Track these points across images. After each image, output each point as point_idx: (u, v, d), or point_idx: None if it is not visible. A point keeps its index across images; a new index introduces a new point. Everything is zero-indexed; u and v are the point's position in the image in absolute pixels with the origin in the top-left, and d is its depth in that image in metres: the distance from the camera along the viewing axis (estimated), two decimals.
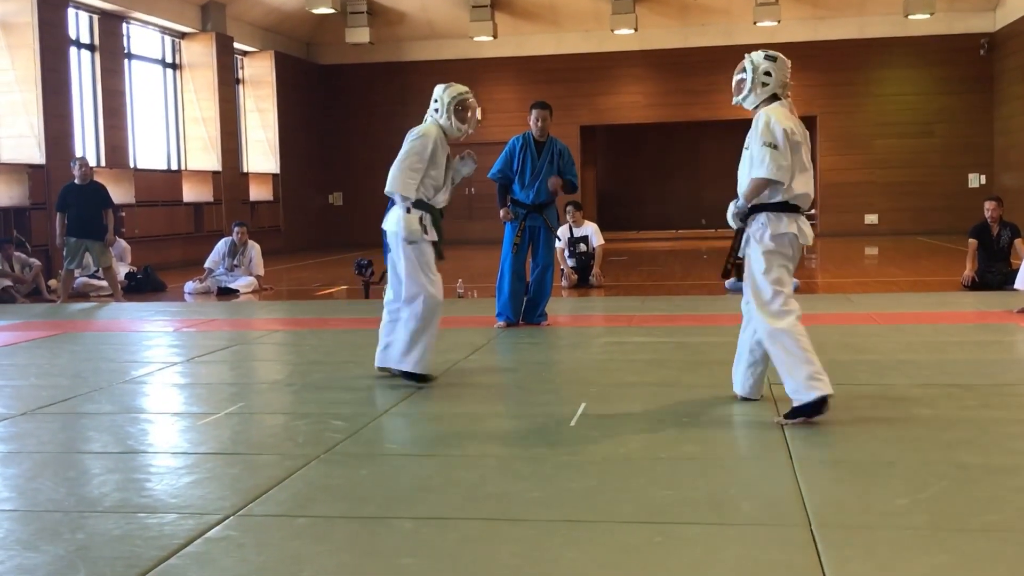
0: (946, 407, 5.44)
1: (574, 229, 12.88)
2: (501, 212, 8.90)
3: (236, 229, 13.69)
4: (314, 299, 12.49)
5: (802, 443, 4.70)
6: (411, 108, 24.35)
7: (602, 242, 13.06)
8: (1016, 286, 9.14)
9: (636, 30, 22.21)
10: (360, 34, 22.76)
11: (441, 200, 6.49)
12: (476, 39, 22.83)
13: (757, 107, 5.21)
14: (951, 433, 4.86)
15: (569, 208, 12.91)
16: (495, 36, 22.68)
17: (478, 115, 6.36)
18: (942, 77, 22.71)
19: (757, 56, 5.20)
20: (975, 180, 22.46)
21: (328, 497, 4.08)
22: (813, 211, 5.43)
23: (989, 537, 3.48)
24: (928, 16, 21.20)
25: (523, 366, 7.26)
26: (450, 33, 23.62)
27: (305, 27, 23.32)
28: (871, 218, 22.42)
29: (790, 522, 3.64)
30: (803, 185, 5.10)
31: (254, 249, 13.67)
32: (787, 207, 5.09)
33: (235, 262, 13.56)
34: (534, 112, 8.98)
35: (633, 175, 27.20)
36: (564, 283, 12.60)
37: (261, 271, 13.74)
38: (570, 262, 12.84)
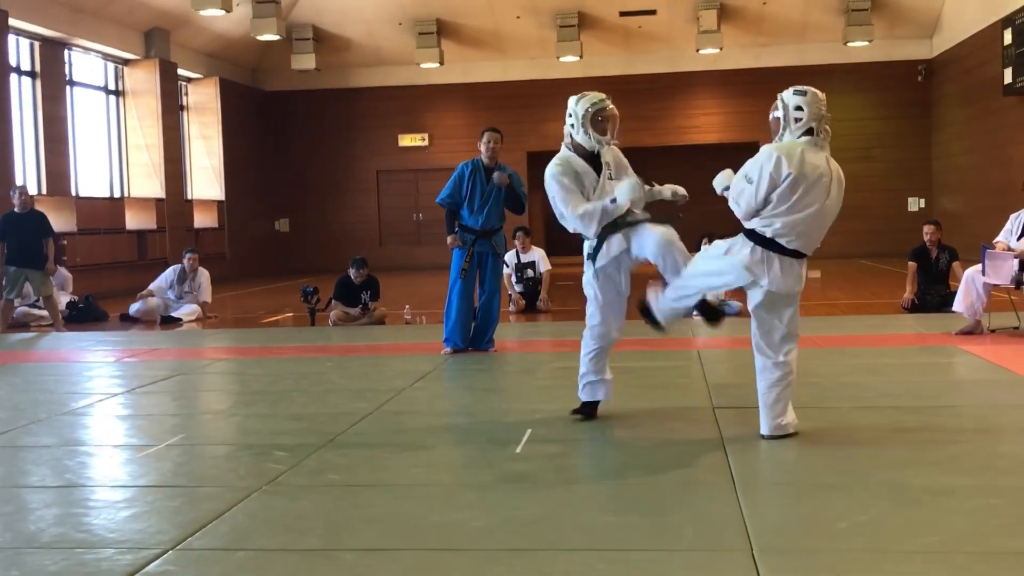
0: (886, 429, 5.50)
1: (521, 255, 12.91)
2: (449, 239, 8.78)
3: (187, 256, 13.55)
4: (259, 327, 12.38)
5: (745, 467, 4.73)
6: (358, 134, 24.40)
7: (549, 267, 13.10)
8: (954, 308, 9.29)
9: (581, 57, 22.42)
10: (306, 60, 22.74)
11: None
12: (423, 66, 22.91)
13: None
14: (891, 455, 4.92)
15: (518, 234, 12.95)
16: (442, 63, 22.77)
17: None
18: (881, 103, 23.15)
19: (787, 94, 5.16)
20: (914, 204, 22.89)
21: (269, 529, 4.03)
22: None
23: (928, 559, 3.52)
24: (867, 43, 21.68)
25: (470, 392, 7.24)
26: (397, 60, 23.66)
27: (250, 53, 23.23)
28: None
29: (732, 547, 3.66)
30: (789, 225, 5.00)
31: (204, 276, 13.53)
32: (767, 241, 5.04)
33: (185, 288, 13.41)
34: (485, 136, 8.90)
35: None
36: (512, 308, 12.62)
37: (208, 298, 13.60)
38: (518, 287, 12.86)
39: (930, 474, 4.59)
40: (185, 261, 13.50)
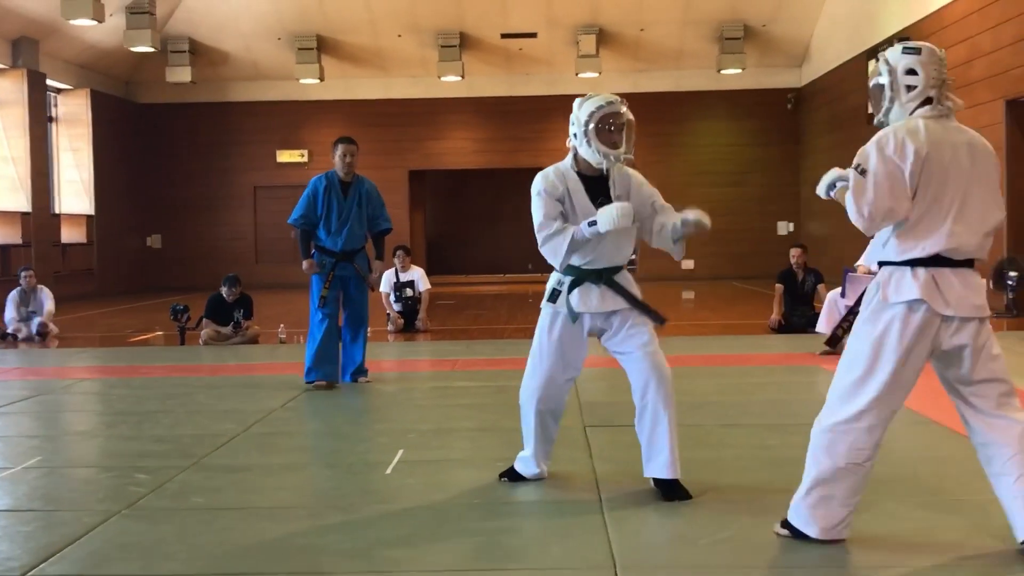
0: (750, 447, 5.65)
1: (401, 273, 12.85)
2: (304, 264, 7.87)
3: (24, 274, 13.09)
4: (127, 346, 12.02)
5: (611, 485, 4.78)
6: (235, 149, 23.98)
7: (428, 287, 13.08)
8: (818, 329, 9.61)
9: (463, 77, 22.52)
10: (181, 73, 22.27)
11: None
12: (303, 81, 22.68)
13: None
14: (754, 473, 5.05)
15: (398, 252, 12.88)
16: (322, 79, 22.58)
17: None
18: (753, 129, 23.85)
19: (893, 53, 3.87)
20: (784, 228, 23.62)
21: (127, 555, 3.91)
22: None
23: (787, 574, 3.62)
24: (739, 71, 22.34)
25: (342, 413, 7.15)
26: (276, 74, 23.38)
27: (123, 65, 22.63)
28: (688, 263, 23.23)
29: (596, 564, 3.70)
30: (933, 230, 3.70)
31: (44, 293, 13.03)
32: (917, 260, 3.72)
33: (30, 308, 12.92)
34: (340, 148, 7.93)
35: (462, 219, 27.42)
36: (390, 328, 12.55)
37: (50, 312, 12.99)
38: (396, 307, 12.79)
39: (790, 491, 4.71)
40: (23, 280, 13.04)
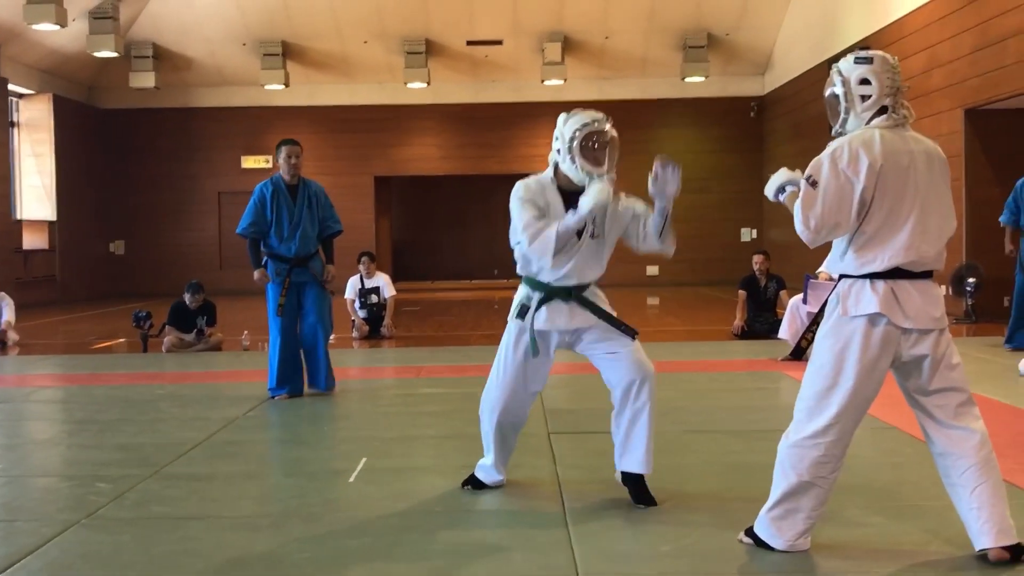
0: (712, 453, 5.69)
1: (366, 280, 12.82)
2: (256, 274, 7.69)
3: None
4: (89, 353, 11.91)
5: (575, 493, 4.80)
6: (199, 155, 23.84)
7: (394, 293, 13.05)
8: (780, 335, 9.69)
9: (429, 84, 22.52)
10: (145, 79, 22.11)
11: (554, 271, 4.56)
12: (267, 87, 22.60)
13: None
14: (716, 480, 5.08)
15: (363, 259, 12.85)
16: (287, 85, 22.51)
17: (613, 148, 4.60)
18: (718, 136, 24.02)
19: (846, 64, 3.86)
20: (747, 234, 23.79)
21: (86, 565, 3.88)
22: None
23: None
24: (703, 79, 22.51)
25: (306, 421, 7.12)
26: (240, 80, 23.27)
27: (87, 70, 22.44)
28: (652, 269, 23.36)
29: (559, 572, 3.72)
30: (890, 242, 3.70)
31: (4, 299, 12.82)
32: (879, 272, 3.72)
33: None
34: (284, 150, 7.65)
35: (428, 226, 27.38)
36: (355, 335, 12.51)
37: (9, 322, 12.84)
38: (361, 313, 12.75)
39: (754, 498, 4.74)
40: None
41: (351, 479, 5.18)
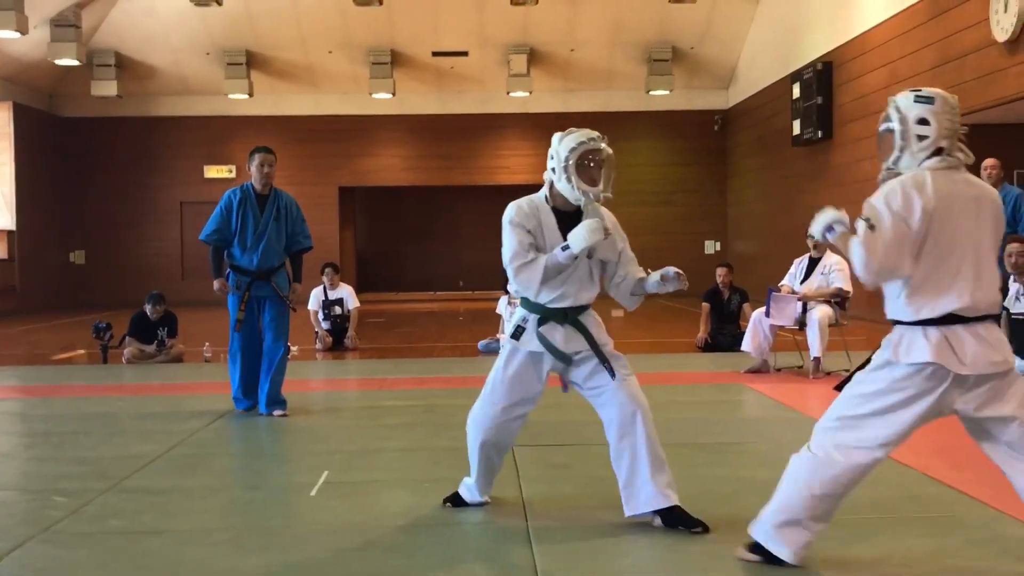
0: (673, 466, 5.68)
1: (329, 291, 12.76)
2: (216, 284, 7.44)
3: None
4: (49, 364, 11.76)
5: (538, 507, 4.79)
6: (161, 164, 23.66)
7: (358, 304, 12.99)
8: (743, 348, 9.74)
9: (394, 95, 22.51)
10: (107, 87, 21.96)
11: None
12: (231, 96, 22.50)
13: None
14: (681, 490, 5.07)
15: (326, 270, 12.78)
16: (251, 94, 22.42)
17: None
18: (682, 149, 24.17)
19: (904, 100, 3.76)
20: (711, 247, 23.94)
21: None
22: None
23: None
24: (668, 92, 22.68)
25: (268, 434, 7.06)
26: (204, 89, 23.14)
27: (47, 78, 22.22)
28: None
29: None
30: (943, 289, 3.59)
31: None
32: (932, 319, 3.60)
33: None
34: (257, 157, 7.37)
35: (393, 237, 27.32)
36: (318, 346, 12.44)
37: None
38: (325, 325, 12.69)
39: (714, 510, 4.76)
40: None
41: (312, 493, 5.14)
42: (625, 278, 4.63)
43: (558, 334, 4.47)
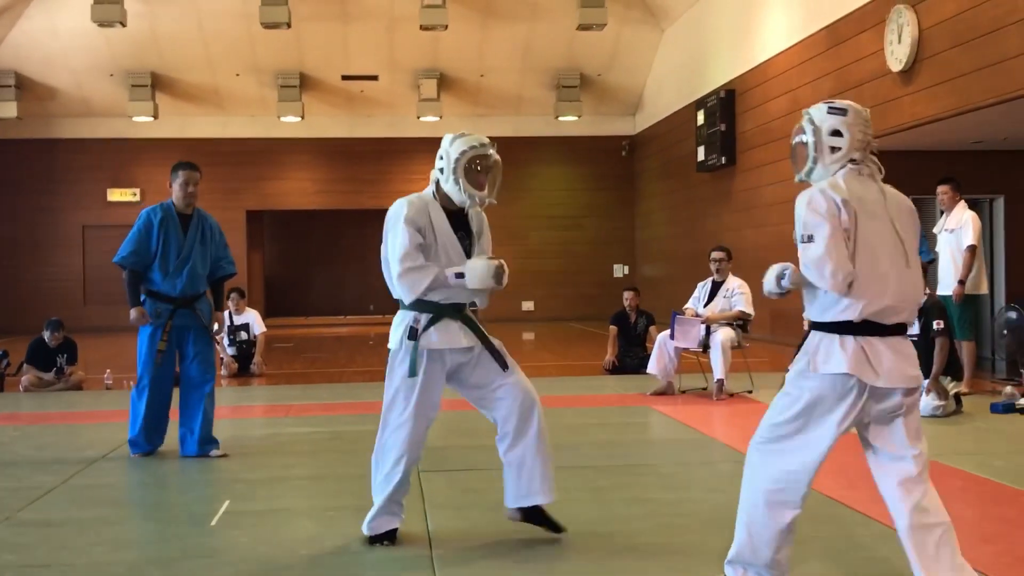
0: (582, 489, 5.72)
1: (235, 316, 12.58)
2: (133, 312, 6.68)
3: None
4: None
5: (443, 537, 4.77)
6: (62, 187, 23.10)
7: (264, 329, 12.84)
8: (648, 370, 9.86)
9: (303, 118, 22.37)
10: (7, 108, 21.42)
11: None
12: (135, 119, 22.10)
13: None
14: (585, 513, 5.10)
15: (232, 295, 12.58)
16: (156, 116, 22.05)
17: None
18: (591, 174, 24.44)
19: (818, 111, 3.77)
20: (619, 270, 24.20)
21: None
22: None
23: None
24: (576, 118, 22.97)
25: (169, 462, 6.88)
26: (107, 111, 22.69)
27: None
28: (528, 305, 23.52)
29: None
30: (864, 287, 3.57)
31: None
32: (850, 326, 3.59)
33: None
34: (181, 175, 6.85)
35: (302, 260, 27.05)
36: (223, 372, 12.24)
37: None
38: (230, 350, 12.50)
39: (618, 533, 4.80)
40: None
41: (212, 523, 5.05)
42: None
43: (455, 329, 4.49)
